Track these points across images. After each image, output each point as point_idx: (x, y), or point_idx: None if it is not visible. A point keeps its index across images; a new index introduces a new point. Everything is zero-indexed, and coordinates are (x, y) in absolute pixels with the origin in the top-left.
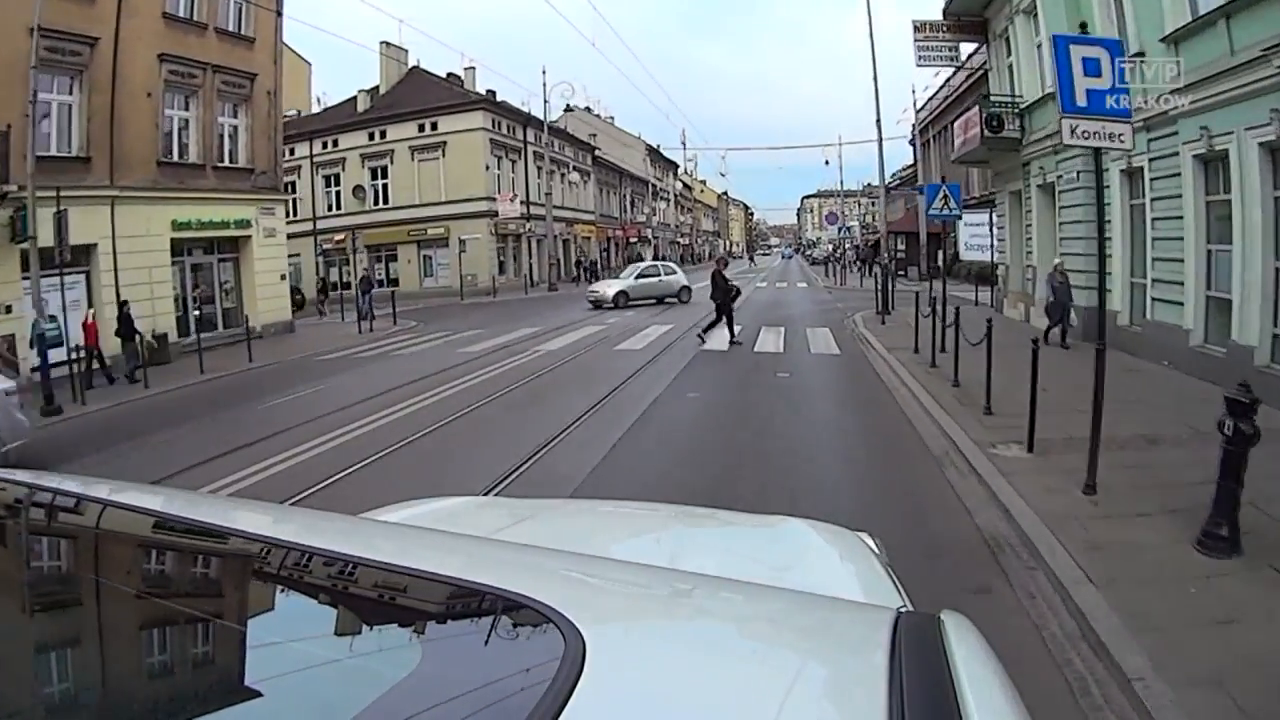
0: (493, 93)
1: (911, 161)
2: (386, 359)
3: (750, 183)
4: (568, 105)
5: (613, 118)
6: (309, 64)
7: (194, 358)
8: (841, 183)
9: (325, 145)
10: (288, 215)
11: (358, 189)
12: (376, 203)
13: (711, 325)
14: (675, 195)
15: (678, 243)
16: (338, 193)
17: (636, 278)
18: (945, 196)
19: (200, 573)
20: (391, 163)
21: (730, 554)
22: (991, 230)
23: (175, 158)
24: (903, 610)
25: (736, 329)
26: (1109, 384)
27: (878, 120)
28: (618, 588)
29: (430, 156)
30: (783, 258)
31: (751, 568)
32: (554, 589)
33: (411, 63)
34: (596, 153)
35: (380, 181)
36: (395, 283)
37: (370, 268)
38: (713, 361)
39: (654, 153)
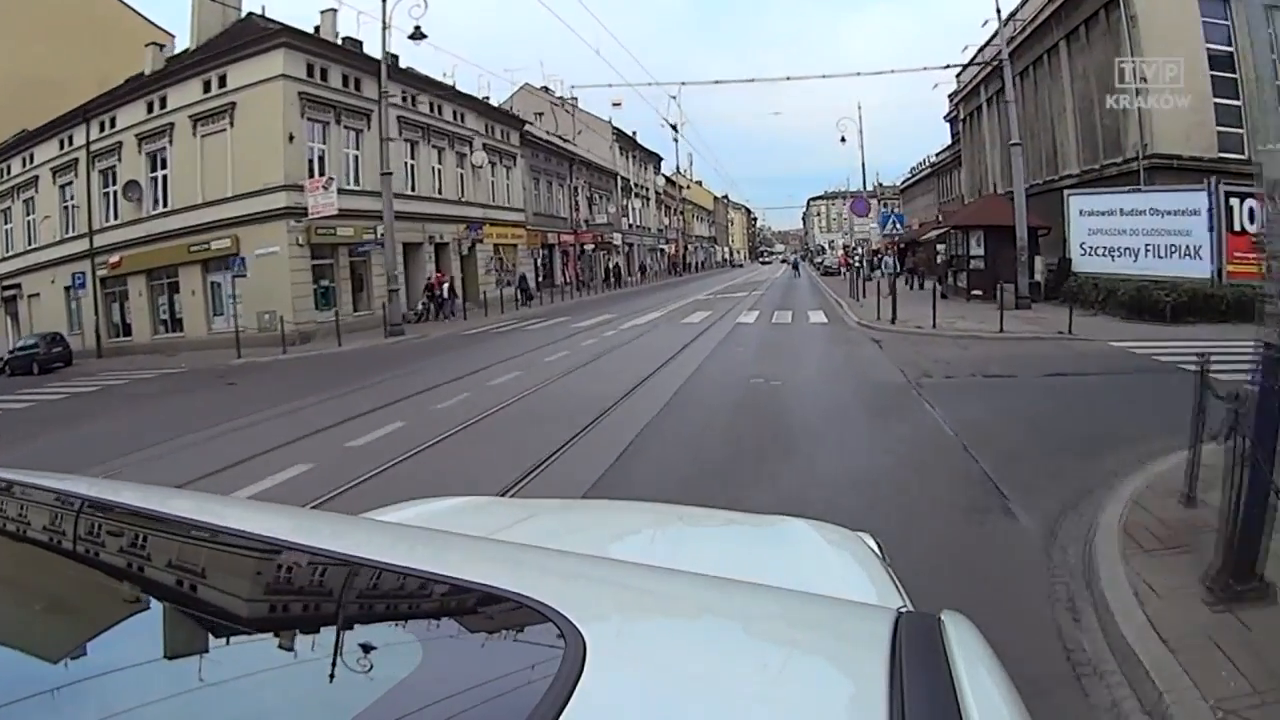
0: (359, 42)
1: (951, 140)
2: None
3: (754, 191)
4: (548, 91)
5: (575, 99)
6: (173, 36)
7: None
8: (864, 166)
9: (103, 128)
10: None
11: (130, 186)
12: (155, 206)
13: None
14: (658, 193)
15: (661, 250)
16: (115, 194)
17: None
18: None
19: (198, 572)
20: (171, 143)
21: (730, 553)
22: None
23: None
24: (903, 610)
25: None
26: None
27: None
28: (618, 586)
29: (216, 128)
30: (785, 264)
31: (751, 567)
32: (554, 588)
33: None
34: (528, 128)
35: (160, 173)
36: (179, 325)
37: None
38: None
39: (625, 139)
